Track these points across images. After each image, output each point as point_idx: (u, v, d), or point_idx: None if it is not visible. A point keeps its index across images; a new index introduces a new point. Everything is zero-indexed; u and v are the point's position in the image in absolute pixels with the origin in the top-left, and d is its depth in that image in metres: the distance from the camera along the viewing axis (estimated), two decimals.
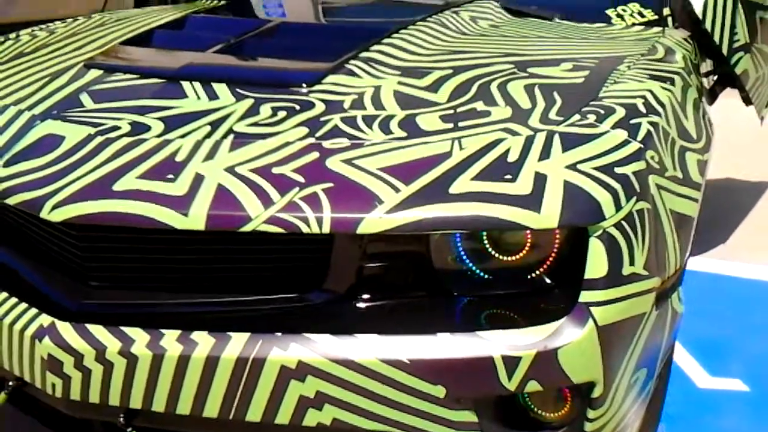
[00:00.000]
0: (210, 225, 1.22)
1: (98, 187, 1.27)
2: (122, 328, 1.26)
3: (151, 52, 1.80)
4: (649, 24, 2.29)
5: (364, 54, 1.67)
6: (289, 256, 1.31)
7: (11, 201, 1.32)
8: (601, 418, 1.27)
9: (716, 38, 2.28)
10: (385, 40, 1.76)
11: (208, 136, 1.34)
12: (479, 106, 1.45)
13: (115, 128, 1.37)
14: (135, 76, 1.59)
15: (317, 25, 1.91)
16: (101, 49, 1.86)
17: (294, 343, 1.22)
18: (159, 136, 1.35)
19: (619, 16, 2.32)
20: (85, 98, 1.51)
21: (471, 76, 1.59)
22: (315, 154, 1.29)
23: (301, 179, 1.25)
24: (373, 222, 1.19)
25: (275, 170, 1.27)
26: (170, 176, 1.27)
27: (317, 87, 1.51)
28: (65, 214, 1.25)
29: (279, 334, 1.23)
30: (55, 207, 1.26)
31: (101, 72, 1.64)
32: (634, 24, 2.29)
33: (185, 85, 1.52)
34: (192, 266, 1.32)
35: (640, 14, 2.33)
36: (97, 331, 1.27)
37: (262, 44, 1.76)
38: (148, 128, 1.37)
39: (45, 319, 1.30)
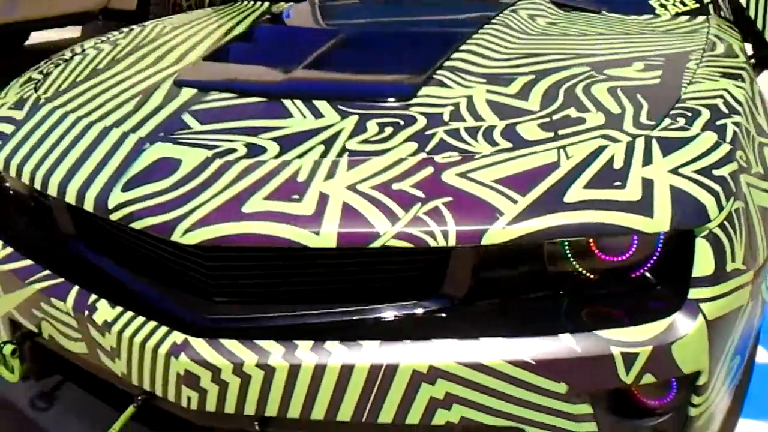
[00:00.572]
0: (341, 242, 1.28)
1: (228, 210, 1.33)
2: (256, 341, 1.33)
3: (239, 68, 1.84)
4: (691, 13, 2.36)
5: (448, 63, 1.73)
6: (409, 267, 1.38)
7: (137, 225, 1.38)
8: (704, 404, 1.36)
9: (759, 24, 2.35)
10: (462, 47, 1.82)
11: (324, 155, 1.40)
12: (572, 112, 1.52)
13: (232, 150, 1.43)
14: (232, 95, 1.64)
15: (390, 34, 1.95)
16: (179, 64, 1.91)
17: (424, 349, 1.29)
18: (276, 157, 1.41)
19: (662, 5, 2.39)
20: (188, 119, 1.57)
21: (554, 81, 1.66)
22: (430, 169, 1.36)
23: (421, 194, 1.32)
24: (496, 233, 1.27)
25: (395, 186, 1.34)
26: (296, 196, 1.34)
27: (414, 100, 1.57)
28: (198, 237, 1.31)
29: (408, 341, 1.30)
30: (187, 231, 1.32)
31: (195, 91, 1.69)
32: (677, 14, 2.36)
33: (287, 103, 1.58)
34: (316, 279, 1.39)
35: (682, 2, 2.40)
36: (232, 345, 1.33)
37: (347, 57, 1.81)
38: (264, 150, 1.43)
39: (177, 336, 1.37)
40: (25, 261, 1.62)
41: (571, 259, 1.39)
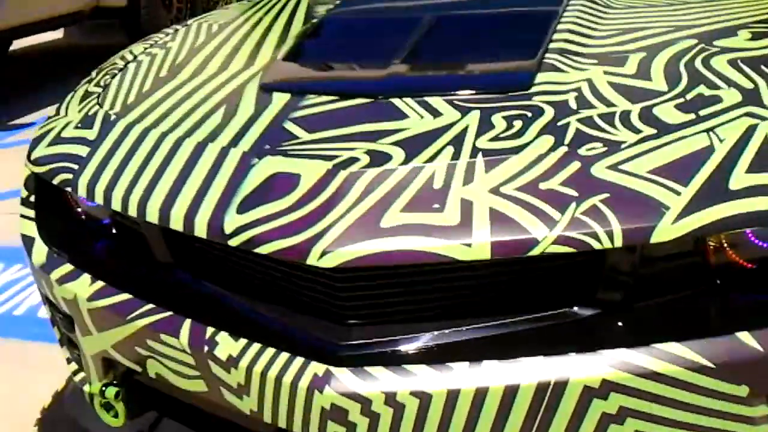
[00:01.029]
0: (495, 253, 1.18)
1: (365, 227, 1.22)
2: (406, 366, 1.23)
3: (328, 67, 1.72)
4: None
5: (553, 45, 1.62)
6: (562, 272, 1.28)
7: (263, 250, 1.27)
8: None
9: None
10: (559, 27, 1.70)
11: (456, 157, 1.29)
12: (704, 90, 1.41)
13: (353, 160, 1.32)
14: (332, 97, 1.52)
15: (475, 17, 1.83)
16: (253, 66, 1.78)
17: (593, 361, 1.19)
18: (404, 163, 1.29)
19: None
20: (293, 128, 1.45)
21: (669, 57, 1.55)
22: (576, 164, 1.25)
23: (573, 193, 1.21)
24: (665, 230, 1.16)
25: (543, 186, 1.23)
26: (436, 206, 1.23)
27: (533, 89, 1.46)
28: (337, 259, 1.20)
29: (573, 353, 1.21)
30: (324, 253, 1.21)
31: (288, 96, 1.56)
32: None
33: (397, 103, 1.46)
34: (461, 293, 1.29)
35: None
36: (381, 373, 1.23)
37: (441, 47, 1.69)
38: (388, 156, 1.31)
39: (317, 368, 1.26)
40: (121, 295, 1.51)
41: (729, 250, 1.29)
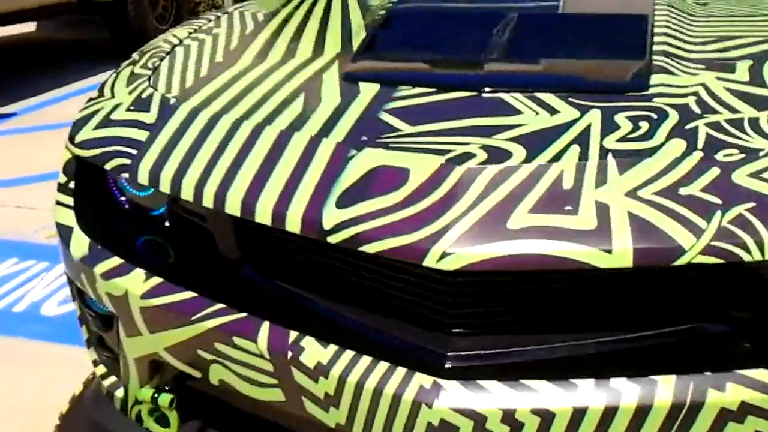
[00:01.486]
0: (637, 261, 1.08)
1: (490, 227, 1.11)
2: (524, 381, 1.12)
3: (415, 59, 1.61)
4: None
5: (657, 48, 1.53)
6: (696, 284, 1.19)
7: (370, 249, 1.15)
8: None
9: None
10: (656, 30, 1.62)
11: (584, 157, 1.19)
12: None
13: (469, 155, 1.21)
14: (428, 89, 1.41)
15: (558, 15, 1.75)
16: (325, 55, 1.66)
17: (731, 382, 1.10)
18: (527, 161, 1.19)
19: None
20: (391, 119, 1.34)
21: None
22: (716, 170, 1.16)
23: (717, 200, 1.12)
24: None
25: (683, 192, 1.14)
26: (568, 208, 1.12)
27: (651, 90, 1.37)
28: (460, 261, 1.09)
29: (709, 373, 1.11)
30: (445, 254, 1.10)
31: (378, 86, 1.45)
32: None
33: (507, 98, 1.36)
34: (586, 303, 1.19)
35: None
36: (497, 388, 1.12)
37: (536, 43, 1.59)
38: (508, 153, 1.21)
39: (424, 379, 1.15)
40: (184, 293, 1.37)
41: None
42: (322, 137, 1.32)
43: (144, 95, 1.61)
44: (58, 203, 1.63)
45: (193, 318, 1.34)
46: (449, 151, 1.22)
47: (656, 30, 1.62)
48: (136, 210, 1.62)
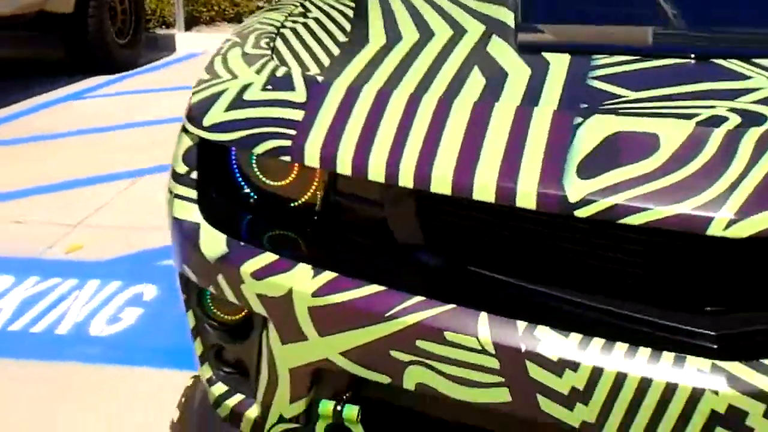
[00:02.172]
0: None
1: None
2: None
3: (595, 28, 1.51)
4: None
5: None
6: None
7: (634, 221, 1.03)
8: None
9: None
10: None
11: None
12: None
13: (720, 118, 1.11)
14: (629, 57, 1.31)
15: None
16: (474, 27, 1.53)
17: None
18: None
19: None
20: (606, 86, 1.22)
21: None
22: None
23: None
24: None
25: None
26: None
27: None
28: (750, 227, 0.99)
29: None
30: (732, 222, 0.99)
31: (568, 56, 1.33)
32: None
33: (726, 64, 1.27)
34: None
35: None
36: None
37: (710, 10, 1.52)
38: (762, 116, 1.11)
39: (699, 362, 1.03)
40: (369, 287, 1.22)
41: None
42: (530, 106, 1.20)
43: (278, 74, 1.45)
44: (177, 196, 1.45)
45: (387, 315, 1.19)
46: (694, 115, 1.12)
47: None
48: (270, 201, 1.45)
